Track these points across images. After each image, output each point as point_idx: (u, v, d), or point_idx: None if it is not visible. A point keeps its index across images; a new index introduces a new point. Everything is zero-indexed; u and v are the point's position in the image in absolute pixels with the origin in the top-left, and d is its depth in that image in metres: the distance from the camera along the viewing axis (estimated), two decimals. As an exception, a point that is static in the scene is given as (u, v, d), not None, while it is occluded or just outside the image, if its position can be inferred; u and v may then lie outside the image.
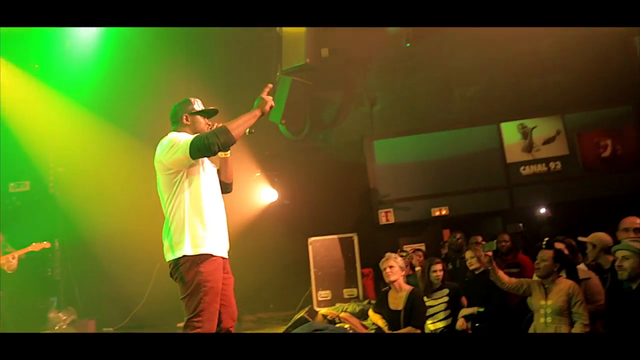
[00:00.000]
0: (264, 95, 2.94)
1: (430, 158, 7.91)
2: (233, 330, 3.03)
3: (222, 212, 3.02)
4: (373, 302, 6.00)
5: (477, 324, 4.17)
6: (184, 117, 3.01)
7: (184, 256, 2.77)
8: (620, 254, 3.06)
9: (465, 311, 4.25)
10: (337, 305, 6.07)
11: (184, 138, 2.83)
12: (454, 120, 8.01)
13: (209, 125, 3.03)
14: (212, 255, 2.81)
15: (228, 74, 8.10)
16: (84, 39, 7.35)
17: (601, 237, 3.97)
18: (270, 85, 3.05)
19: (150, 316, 7.63)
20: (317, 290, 6.67)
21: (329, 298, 6.54)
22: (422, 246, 7.05)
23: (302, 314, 4.43)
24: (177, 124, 3.04)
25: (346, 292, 6.62)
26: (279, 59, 7.17)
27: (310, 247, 6.92)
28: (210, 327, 2.77)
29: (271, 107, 2.93)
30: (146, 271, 7.79)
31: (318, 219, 7.51)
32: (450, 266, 5.63)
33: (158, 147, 2.93)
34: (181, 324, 7.69)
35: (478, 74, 7.94)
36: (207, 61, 8.06)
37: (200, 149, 2.71)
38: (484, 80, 7.95)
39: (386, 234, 7.57)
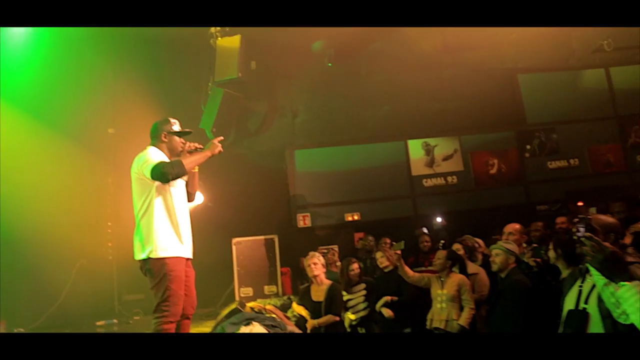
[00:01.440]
0: (216, 141, 3.46)
1: (345, 168, 8.71)
2: (192, 318, 3.47)
3: (187, 219, 3.46)
4: (292, 297, 6.59)
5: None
6: (163, 135, 3.44)
7: (150, 258, 3.20)
8: (494, 251, 3.93)
9: (382, 301, 4.96)
10: (259, 300, 6.57)
11: (153, 158, 3.27)
12: (367, 135, 8.88)
13: (183, 143, 3.49)
14: (175, 257, 3.26)
15: (158, 77, 8.24)
16: (14, 37, 7.24)
17: (479, 242, 4.94)
18: (222, 138, 3.59)
19: (67, 316, 7.52)
20: (239, 287, 7.13)
21: (250, 294, 7.02)
22: (336, 247, 7.77)
23: (233, 306, 4.90)
24: (155, 140, 3.47)
25: (267, 289, 7.15)
26: (212, 70, 7.56)
27: (234, 247, 7.34)
28: (176, 311, 3.20)
29: (219, 152, 3.44)
30: (65, 270, 7.75)
31: (241, 221, 7.94)
32: (361, 265, 6.37)
33: (135, 159, 3.36)
34: (101, 323, 7.79)
35: (389, 96, 8.86)
36: (138, 64, 8.16)
37: (158, 176, 3.19)
38: (395, 102, 8.88)
39: (303, 236, 8.21)
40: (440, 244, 4.76)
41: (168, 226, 3.27)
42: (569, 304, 2.66)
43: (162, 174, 3.17)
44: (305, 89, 8.92)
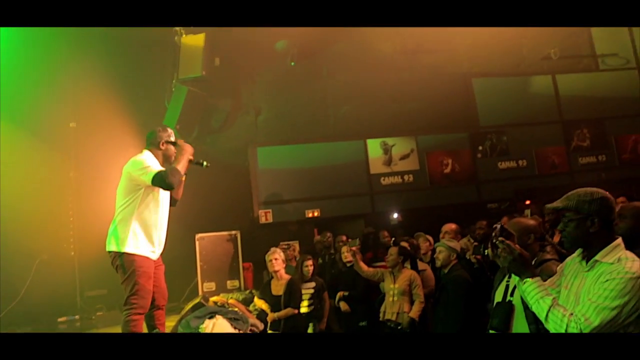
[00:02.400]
0: (182, 143, 3.67)
1: (306, 166, 8.99)
2: (164, 308, 3.68)
3: (164, 224, 3.68)
4: (254, 291, 6.82)
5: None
6: (161, 143, 3.63)
7: (122, 252, 3.39)
8: (437, 248, 4.29)
9: (337, 296, 5.27)
10: (222, 295, 6.77)
11: (152, 165, 3.45)
12: (327, 134, 9.19)
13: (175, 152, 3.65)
14: (145, 256, 3.47)
15: (121, 72, 8.21)
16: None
17: (430, 239, 5.33)
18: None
19: (28, 312, 7.48)
20: (202, 282, 7.29)
21: (213, 289, 7.20)
22: (297, 243, 8.02)
23: (197, 300, 5.10)
24: (153, 146, 3.64)
25: (229, 284, 7.35)
26: (176, 67, 7.66)
27: (197, 243, 7.48)
28: (144, 303, 3.41)
29: (192, 150, 3.65)
30: (25, 265, 7.72)
31: (204, 217, 8.08)
32: (320, 260, 6.67)
33: (131, 161, 3.53)
34: (63, 319, 7.75)
35: (350, 96, 9.20)
36: (101, 57, 8.13)
37: (161, 184, 3.39)
38: (355, 102, 9.23)
39: (265, 231, 8.44)
40: (392, 241, 5.10)
41: (145, 228, 3.48)
42: (498, 297, 3.01)
43: (167, 184, 3.38)
44: (268, 88, 9.13)
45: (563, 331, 1.90)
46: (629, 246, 2.08)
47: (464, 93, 9.68)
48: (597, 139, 10.14)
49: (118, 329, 6.73)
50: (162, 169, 3.47)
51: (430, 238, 5.34)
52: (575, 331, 1.87)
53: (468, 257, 4.43)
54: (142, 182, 3.43)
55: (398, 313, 4.63)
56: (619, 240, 2.04)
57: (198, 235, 7.58)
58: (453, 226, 4.97)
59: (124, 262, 3.41)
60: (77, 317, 7.69)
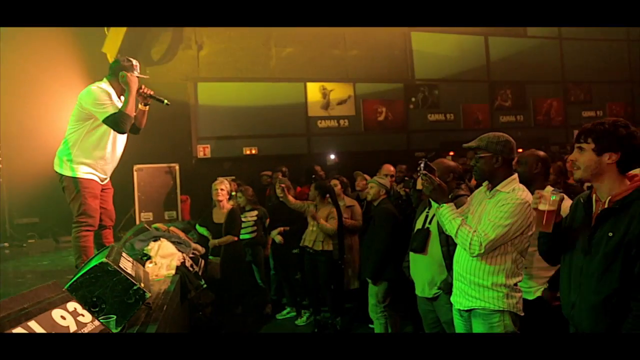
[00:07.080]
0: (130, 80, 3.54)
1: (246, 104, 9.14)
2: (112, 228, 3.85)
3: (114, 151, 3.65)
4: (190, 222, 7.07)
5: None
6: (121, 76, 3.49)
7: (68, 176, 3.48)
8: (369, 184, 4.75)
9: (276, 230, 5.65)
10: (159, 224, 6.97)
11: (106, 104, 3.38)
12: (269, 74, 9.32)
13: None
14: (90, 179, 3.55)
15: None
16: None
17: (367, 178, 5.80)
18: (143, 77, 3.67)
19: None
20: (140, 212, 7.44)
21: (150, 219, 7.34)
22: (233, 178, 8.27)
23: (140, 226, 5.28)
24: (112, 76, 3.54)
25: (167, 214, 7.55)
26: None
27: (135, 174, 7.55)
28: (92, 221, 3.53)
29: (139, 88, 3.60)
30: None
31: (143, 149, 8.05)
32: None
33: (86, 91, 3.45)
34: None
35: (293, 38, 9.29)
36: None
37: (112, 127, 3.42)
38: (298, 44, 9.35)
39: (203, 166, 8.64)
40: (312, 178, 5.55)
41: (91, 155, 3.50)
42: (418, 224, 3.52)
43: (119, 129, 3.44)
44: (211, 23, 9.00)
45: (468, 244, 2.39)
46: (525, 185, 2.57)
47: (403, 45, 10.09)
48: (517, 100, 11.01)
49: (52, 256, 6.81)
50: (115, 111, 3.41)
51: (367, 177, 5.77)
52: (476, 244, 2.36)
53: (397, 190, 4.93)
54: (96, 116, 3.42)
55: (314, 241, 5.13)
56: (515, 175, 2.54)
57: (136, 166, 7.61)
58: (392, 168, 5.47)
59: (70, 184, 3.48)
60: (6, 244, 7.60)
